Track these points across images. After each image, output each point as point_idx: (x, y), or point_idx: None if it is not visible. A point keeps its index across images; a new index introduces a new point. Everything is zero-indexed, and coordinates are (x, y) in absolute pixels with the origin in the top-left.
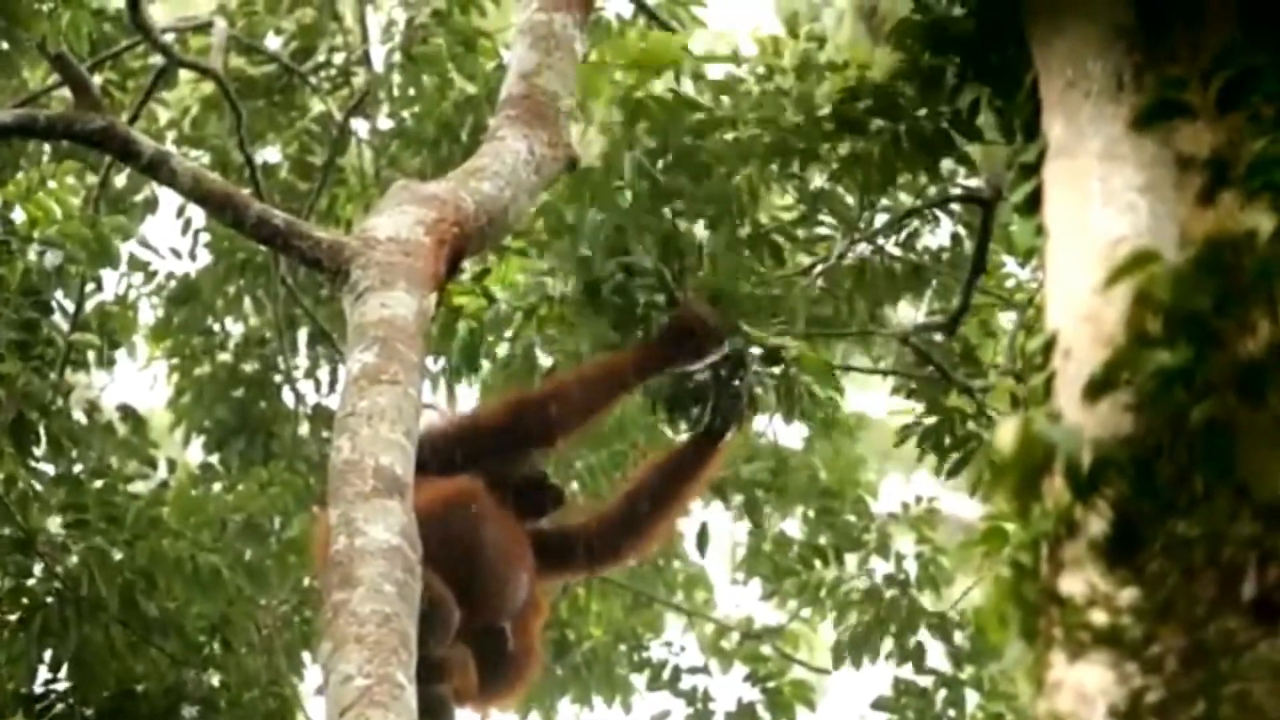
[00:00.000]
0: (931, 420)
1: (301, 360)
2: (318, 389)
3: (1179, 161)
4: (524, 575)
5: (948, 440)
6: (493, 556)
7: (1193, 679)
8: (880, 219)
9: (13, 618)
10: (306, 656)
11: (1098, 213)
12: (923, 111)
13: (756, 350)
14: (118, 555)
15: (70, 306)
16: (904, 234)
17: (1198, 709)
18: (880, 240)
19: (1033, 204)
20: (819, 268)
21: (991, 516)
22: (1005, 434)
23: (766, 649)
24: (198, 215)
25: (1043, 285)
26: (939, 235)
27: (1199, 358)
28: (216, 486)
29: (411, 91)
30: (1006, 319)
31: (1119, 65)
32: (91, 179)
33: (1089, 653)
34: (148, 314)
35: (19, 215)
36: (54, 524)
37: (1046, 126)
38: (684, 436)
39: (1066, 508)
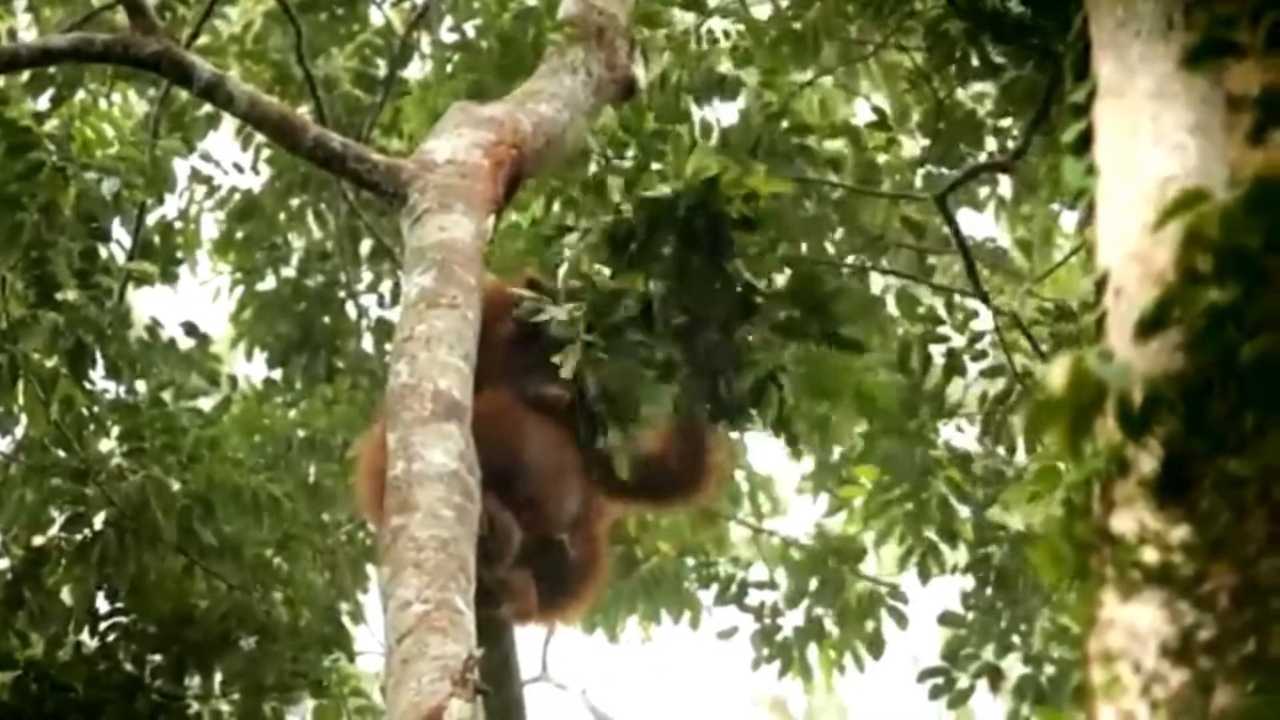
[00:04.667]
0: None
1: (365, 274)
2: (381, 303)
3: (1229, 100)
4: (573, 482)
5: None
6: (532, 462)
7: (1244, 616)
8: None
9: (75, 539)
10: (371, 571)
11: (1148, 152)
12: None
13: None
14: (174, 484)
15: (128, 232)
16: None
17: (1249, 646)
18: None
19: (1083, 144)
20: None
21: (1043, 455)
22: (1056, 372)
23: (834, 563)
24: None
25: (1093, 224)
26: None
27: (1249, 296)
28: (279, 402)
29: (475, 4)
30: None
31: (1169, 4)
32: (153, 93)
33: (1141, 591)
34: (210, 229)
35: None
36: (110, 448)
37: (1096, 66)
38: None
39: (1118, 446)
